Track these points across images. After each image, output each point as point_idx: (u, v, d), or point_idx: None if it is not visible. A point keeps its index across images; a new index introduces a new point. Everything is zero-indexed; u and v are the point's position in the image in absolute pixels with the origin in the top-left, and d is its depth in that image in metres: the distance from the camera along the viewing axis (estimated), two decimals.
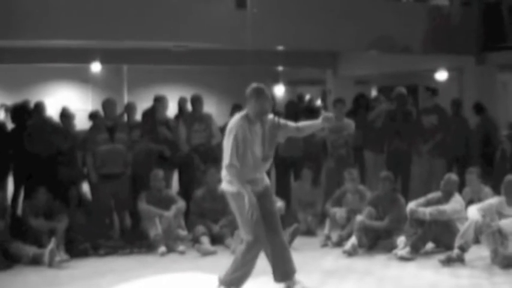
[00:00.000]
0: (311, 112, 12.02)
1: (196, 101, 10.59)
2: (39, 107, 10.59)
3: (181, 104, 12.51)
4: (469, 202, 8.92)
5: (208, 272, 7.72)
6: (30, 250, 8.50)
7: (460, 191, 9.17)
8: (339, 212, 9.52)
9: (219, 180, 9.19)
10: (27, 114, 10.48)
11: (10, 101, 12.12)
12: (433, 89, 11.51)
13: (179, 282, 7.74)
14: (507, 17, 12.95)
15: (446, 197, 8.87)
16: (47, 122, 10.60)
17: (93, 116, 11.21)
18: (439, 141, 11.08)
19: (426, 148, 11.19)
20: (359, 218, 8.96)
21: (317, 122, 6.79)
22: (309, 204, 10.48)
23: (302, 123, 7.02)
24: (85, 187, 10.34)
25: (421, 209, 8.67)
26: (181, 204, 9.49)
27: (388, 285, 7.48)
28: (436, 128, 11.13)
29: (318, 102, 19.21)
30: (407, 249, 8.53)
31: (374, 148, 11.51)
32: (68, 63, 14.55)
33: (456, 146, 11.11)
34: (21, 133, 10.12)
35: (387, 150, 11.38)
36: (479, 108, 11.90)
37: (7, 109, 13.29)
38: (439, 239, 8.79)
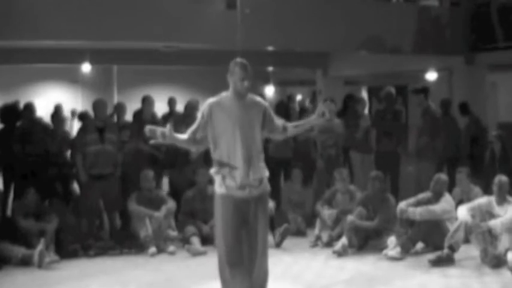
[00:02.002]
0: (302, 112, 12.06)
1: (189, 105, 10.53)
2: (29, 108, 10.57)
3: (170, 104, 12.53)
4: (459, 202, 8.96)
5: (198, 273, 7.74)
6: (20, 251, 8.48)
7: (450, 190, 9.20)
8: (328, 212, 9.53)
9: (209, 181, 9.28)
10: (16, 115, 10.46)
11: (0, 101, 12.08)
12: (424, 89, 11.48)
13: None
14: (496, 17, 12.98)
15: (436, 197, 8.90)
16: (36, 122, 10.58)
17: (83, 116, 11.19)
18: (426, 142, 11.08)
19: (414, 149, 11.22)
20: (349, 218, 8.97)
21: (310, 119, 6.33)
22: (299, 205, 10.49)
23: (293, 123, 6.57)
24: (76, 187, 10.33)
25: (411, 209, 8.70)
26: (171, 204, 9.48)
27: (378, 285, 7.49)
28: (423, 130, 11.14)
29: (307, 103, 19.22)
30: (398, 249, 8.55)
31: (360, 148, 11.52)
32: (57, 64, 14.49)
33: (445, 146, 11.13)
34: (10, 134, 10.10)
35: (376, 150, 11.42)
36: (464, 109, 11.94)
37: None
38: (429, 239, 8.81)
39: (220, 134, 5.90)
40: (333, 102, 11.11)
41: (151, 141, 5.91)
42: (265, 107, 6.10)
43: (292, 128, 6.32)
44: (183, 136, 6.00)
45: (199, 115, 6.01)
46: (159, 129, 5.77)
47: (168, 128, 5.74)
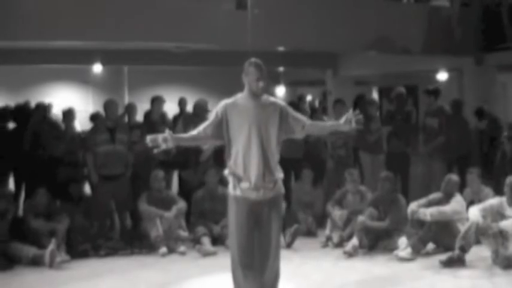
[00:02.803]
0: (312, 113, 12.05)
1: (197, 105, 10.54)
2: (40, 108, 10.62)
3: (181, 104, 12.54)
4: (470, 203, 8.92)
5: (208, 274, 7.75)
6: (30, 251, 8.49)
7: (460, 191, 9.17)
8: (339, 213, 9.52)
9: (219, 181, 9.29)
10: (27, 115, 10.50)
11: (11, 101, 12.14)
12: (435, 91, 11.44)
13: None
14: (506, 17, 12.94)
15: (447, 198, 8.88)
16: (47, 122, 10.61)
17: (94, 117, 11.23)
18: (440, 143, 11.05)
19: (426, 150, 11.19)
20: (360, 218, 8.96)
21: (335, 124, 6.31)
22: (310, 205, 10.48)
23: (316, 122, 6.53)
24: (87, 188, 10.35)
25: (422, 210, 8.67)
26: (181, 204, 9.48)
27: (388, 286, 7.50)
28: (437, 131, 11.11)
29: (317, 103, 19.22)
30: (408, 250, 8.53)
31: (371, 149, 11.47)
32: (68, 64, 14.56)
33: (456, 146, 11.09)
34: (21, 133, 10.14)
35: (386, 150, 11.38)
36: (481, 114, 11.82)
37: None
38: (439, 240, 8.79)
39: (236, 135, 5.86)
40: (343, 103, 11.13)
41: (155, 151, 5.88)
42: (281, 107, 6.02)
43: (313, 127, 6.22)
44: (191, 133, 5.98)
45: (212, 113, 5.97)
46: (159, 136, 5.73)
47: (167, 133, 5.71)
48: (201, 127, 5.95)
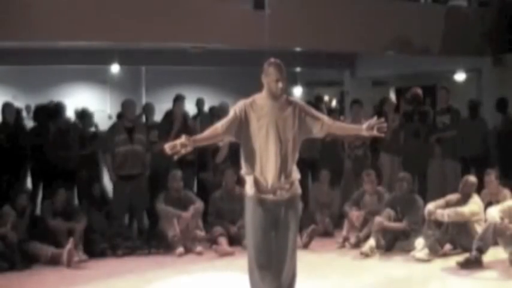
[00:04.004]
0: (329, 113, 12.02)
1: (218, 107, 10.57)
2: (60, 108, 10.70)
3: (198, 104, 12.57)
4: (488, 204, 8.87)
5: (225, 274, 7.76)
6: (49, 250, 8.55)
7: (478, 192, 9.13)
8: (356, 214, 9.50)
9: (237, 181, 9.30)
10: (48, 115, 10.56)
11: (31, 101, 12.22)
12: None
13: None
14: None
15: (465, 199, 8.83)
16: (68, 124, 10.71)
17: (120, 117, 11.27)
18: (450, 140, 11.00)
19: (435, 137, 11.10)
20: (377, 219, 8.95)
21: (357, 127, 6.11)
22: (327, 205, 10.47)
23: (339, 123, 6.46)
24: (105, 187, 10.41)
25: (439, 211, 8.64)
26: (199, 204, 9.49)
27: (405, 287, 7.47)
28: (448, 127, 11.08)
29: (334, 104, 19.21)
30: (425, 250, 8.51)
31: (390, 149, 11.43)
32: (86, 65, 14.63)
33: (472, 147, 11.02)
34: (41, 133, 10.21)
35: (404, 151, 11.34)
36: (502, 106, 11.65)
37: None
38: (457, 241, 8.76)
39: (253, 135, 5.82)
40: (360, 104, 11.12)
41: (175, 157, 5.85)
42: (300, 107, 5.94)
43: (333, 127, 6.04)
44: (208, 131, 5.89)
45: (231, 112, 5.91)
46: (178, 142, 5.65)
47: (184, 137, 5.66)
48: (219, 124, 5.91)
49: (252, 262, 5.89)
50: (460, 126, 11.07)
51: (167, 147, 5.63)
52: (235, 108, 5.89)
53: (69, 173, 10.09)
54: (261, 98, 5.92)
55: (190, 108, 12.46)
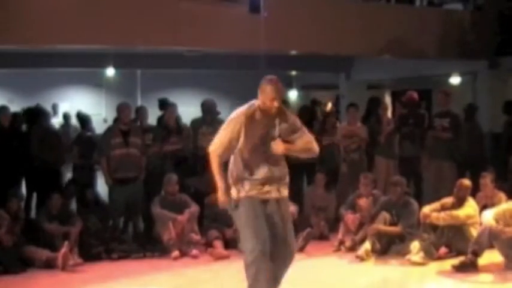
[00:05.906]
0: (325, 117, 12.04)
1: (204, 105, 10.59)
2: (39, 111, 10.75)
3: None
4: (483, 207, 8.88)
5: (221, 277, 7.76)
6: (44, 253, 8.52)
7: (474, 195, 9.13)
8: (352, 217, 9.50)
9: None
10: (36, 119, 10.59)
11: (27, 105, 12.22)
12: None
13: None
14: None
15: (460, 202, 8.83)
16: (49, 127, 10.75)
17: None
18: (446, 143, 11.00)
19: (432, 133, 11.09)
20: (373, 226, 8.94)
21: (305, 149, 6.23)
22: (322, 209, 10.47)
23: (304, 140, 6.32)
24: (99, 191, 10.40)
25: (435, 214, 8.64)
26: (194, 208, 9.48)
27: None
28: (447, 130, 11.07)
29: (328, 107, 19.20)
30: (421, 254, 8.51)
31: (385, 153, 11.43)
32: (82, 68, 14.63)
33: (468, 150, 11.04)
34: (28, 136, 10.25)
35: (399, 154, 11.34)
36: (509, 108, 11.65)
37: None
38: (452, 244, 8.76)
39: (245, 142, 5.94)
40: (356, 107, 11.13)
41: (224, 206, 6.12)
42: (291, 121, 6.12)
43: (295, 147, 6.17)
44: (215, 165, 6.04)
45: (229, 125, 6.00)
46: (226, 198, 5.98)
47: (223, 185, 5.95)
48: (223, 148, 6.01)
49: (248, 264, 5.88)
50: (458, 130, 11.06)
51: (221, 205, 6.15)
52: (233, 122, 5.98)
53: (56, 175, 10.11)
54: (255, 109, 6.02)
55: (185, 111, 12.44)
